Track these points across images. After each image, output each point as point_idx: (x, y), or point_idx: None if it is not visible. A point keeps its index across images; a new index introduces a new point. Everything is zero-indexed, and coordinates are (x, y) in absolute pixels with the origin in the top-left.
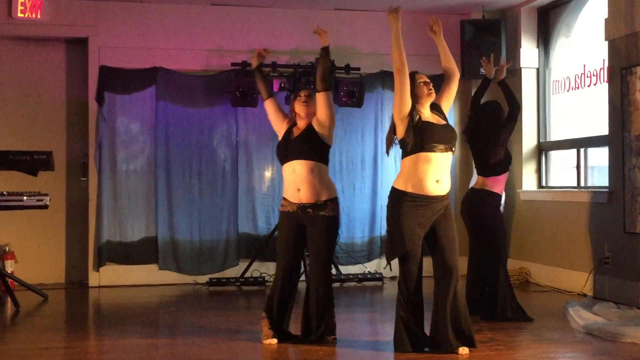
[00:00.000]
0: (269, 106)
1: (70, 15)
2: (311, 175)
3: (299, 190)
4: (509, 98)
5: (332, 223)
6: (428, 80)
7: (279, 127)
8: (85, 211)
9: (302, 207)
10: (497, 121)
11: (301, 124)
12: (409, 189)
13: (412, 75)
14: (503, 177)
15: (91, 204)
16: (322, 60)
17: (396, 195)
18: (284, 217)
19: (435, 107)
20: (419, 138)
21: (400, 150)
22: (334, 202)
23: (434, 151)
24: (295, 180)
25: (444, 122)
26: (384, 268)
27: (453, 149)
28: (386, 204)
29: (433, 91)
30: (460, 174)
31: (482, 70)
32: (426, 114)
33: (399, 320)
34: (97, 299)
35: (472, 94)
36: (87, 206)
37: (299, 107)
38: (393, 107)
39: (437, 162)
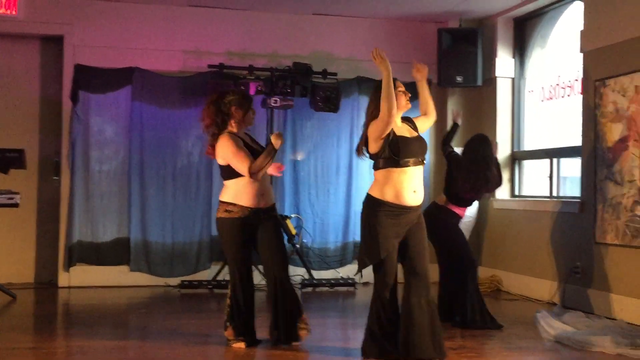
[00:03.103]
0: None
1: (46, 13)
2: (270, 182)
3: (263, 194)
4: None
5: (279, 223)
6: (406, 91)
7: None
8: (57, 210)
9: (256, 210)
10: (486, 156)
11: (242, 133)
12: (387, 198)
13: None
14: (466, 208)
15: (63, 203)
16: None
17: (372, 203)
18: (233, 224)
19: (408, 120)
20: (393, 153)
21: (371, 160)
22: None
23: (407, 165)
24: (260, 186)
25: (416, 134)
26: (355, 275)
27: (424, 161)
28: (360, 210)
29: (409, 103)
30: (435, 185)
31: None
32: (397, 123)
33: (368, 331)
34: (66, 299)
35: (443, 135)
36: (58, 205)
37: (251, 120)
38: (370, 127)
39: (411, 174)
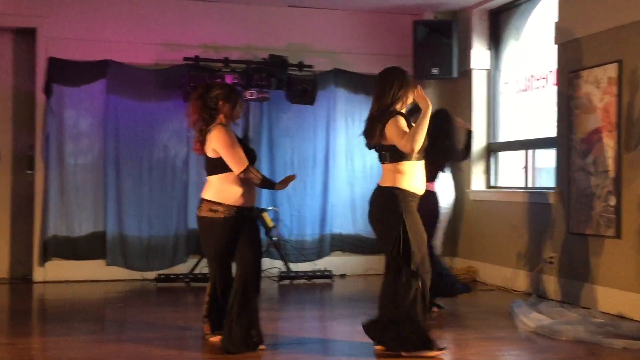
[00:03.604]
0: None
1: (18, 5)
2: None
3: (249, 192)
4: (467, 144)
5: (256, 222)
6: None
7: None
8: (31, 205)
9: (241, 209)
10: (449, 130)
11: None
12: (405, 187)
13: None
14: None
15: (37, 197)
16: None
17: (392, 193)
18: (218, 224)
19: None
20: None
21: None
22: None
23: (410, 160)
24: (247, 184)
25: None
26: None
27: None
28: (370, 201)
29: None
30: None
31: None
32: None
33: (412, 323)
34: (42, 294)
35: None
36: (33, 200)
37: (239, 114)
38: (390, 128)
39: (418, 163)
